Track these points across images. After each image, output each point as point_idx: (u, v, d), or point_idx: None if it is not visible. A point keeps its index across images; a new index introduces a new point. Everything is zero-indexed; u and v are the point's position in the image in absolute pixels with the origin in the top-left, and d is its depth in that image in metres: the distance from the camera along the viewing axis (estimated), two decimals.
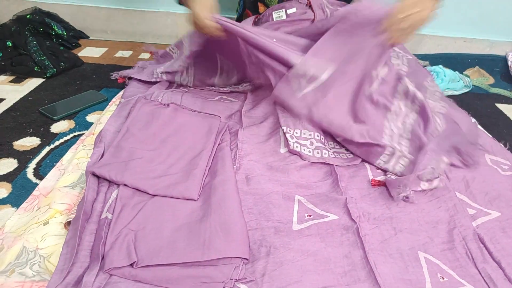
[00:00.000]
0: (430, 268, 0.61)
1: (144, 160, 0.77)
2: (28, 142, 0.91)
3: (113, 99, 1.09)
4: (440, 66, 1.33)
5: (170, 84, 1.13)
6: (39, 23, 1.37)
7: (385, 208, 0.72)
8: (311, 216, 0.69)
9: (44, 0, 1.52)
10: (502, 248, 0.65)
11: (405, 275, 0.60)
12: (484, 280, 0.60)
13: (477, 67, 1.45)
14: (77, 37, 1.54)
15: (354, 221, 0.67)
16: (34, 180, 0.80)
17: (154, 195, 0.70)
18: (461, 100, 1.24)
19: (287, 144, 0.84)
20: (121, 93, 1.11)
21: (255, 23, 1.10)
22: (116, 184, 0.71)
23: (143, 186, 0.70)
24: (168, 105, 0.93)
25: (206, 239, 0.60)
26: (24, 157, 0.86)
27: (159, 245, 0.60)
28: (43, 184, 0.77)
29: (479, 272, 0.61)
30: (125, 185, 0.70)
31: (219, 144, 0.84)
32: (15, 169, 0.82)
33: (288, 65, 0.82)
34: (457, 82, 1.28)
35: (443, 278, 0.59)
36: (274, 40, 0.85)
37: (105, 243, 0.60)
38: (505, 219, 0.71)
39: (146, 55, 1.45)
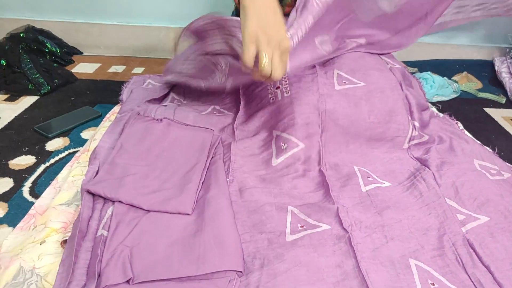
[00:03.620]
0: (421, 275, 0.62)
1: (138, 176, 0.78)
2: (23, 161, 0.92)
3: (107, 115, 1.10)
4: (429, 72, 1.35)
5: (164, 98, 1.14)
6: (33, 41, 1.39)
7: (376, 216, 0.73)
8: (304, 227, 0.70)
9: (37, 18, 1.54)
10: (491, 253, 0.66)
11: (396, 283, 0.61)
12: (474, 285, 0.61)
13: (465, 72, 1.48)
14: (70, 53, 1.55)
15: (346, 230, 0.68)
16: (30, 199, 0.80)
17: (149, 211, 0.70)
18: (450, 106, 1.26)
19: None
20: (115, 108, 1.13)
21: None
22: (111, 200, 0.72)
23: (137, 202, 0.71)
24: (161, 120, 0.94)
25: (200, 254, 0.61)
26: (19, 176, 0.87)
27: (154, 261, 0.61)
28: (39, 203, 0.78)
29: (469, 277, 0.62)
30: (120, 201, 0.71)
31: (212, 158, 0.85)
32: (11, 189, 0.83)
33: None
34: (446, 88, 1.30)
35: (434, 285, 0.61)
36: None
37: (101, 260, 0.61)
38: (494, 224, 0.72)
39: (139, 69, 1.47)
